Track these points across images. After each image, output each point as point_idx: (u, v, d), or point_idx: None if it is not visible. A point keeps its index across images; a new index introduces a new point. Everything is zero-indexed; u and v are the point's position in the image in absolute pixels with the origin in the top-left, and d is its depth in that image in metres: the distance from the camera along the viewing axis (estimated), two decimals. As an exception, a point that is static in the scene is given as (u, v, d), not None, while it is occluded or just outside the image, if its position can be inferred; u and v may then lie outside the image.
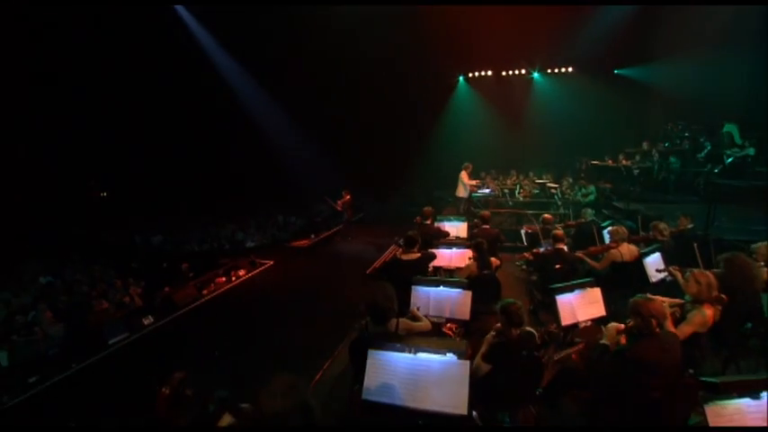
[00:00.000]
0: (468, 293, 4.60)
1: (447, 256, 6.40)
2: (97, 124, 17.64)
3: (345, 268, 10.26)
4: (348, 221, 13.07)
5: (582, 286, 4.52)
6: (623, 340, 3.25)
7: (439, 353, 2.78)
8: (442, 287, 4.69)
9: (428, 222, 6.98)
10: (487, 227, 6.76)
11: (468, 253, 6.26)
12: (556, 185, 11.75)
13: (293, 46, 16.34)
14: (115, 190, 21.32)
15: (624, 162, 12.10)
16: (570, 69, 16.24)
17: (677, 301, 3.82)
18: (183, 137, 18.92)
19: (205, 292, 9.27)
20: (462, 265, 6.20)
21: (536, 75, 17.01)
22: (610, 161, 12.30)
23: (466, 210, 11.25)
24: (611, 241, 5.62)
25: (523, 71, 17.16)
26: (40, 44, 14.44)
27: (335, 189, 13.06)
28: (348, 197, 12.46)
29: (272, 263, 10.92)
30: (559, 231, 5.49)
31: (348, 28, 14.89)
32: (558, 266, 5.28)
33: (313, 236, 13.42)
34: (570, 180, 12.22)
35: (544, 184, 12.29)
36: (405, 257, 5.29)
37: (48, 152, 16.92)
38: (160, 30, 15.48)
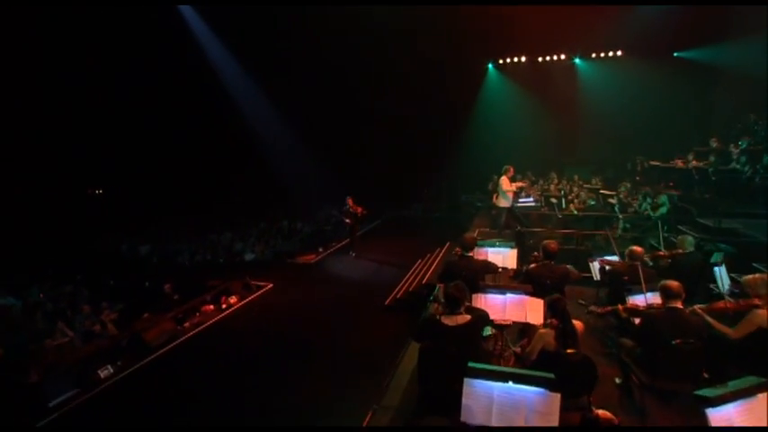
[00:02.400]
0: (556, 397, 2.93)
1: (499, 306, 4.73)
2: (95, 121, 16.54)
3: (358, 295, 8.66)
4: (353, 233, 11.34)
5: (748, 393, 2.81)
6: None
7: None
8: (511, 383, 3.03)
9: (470, 255, 5.29)
10: (551, 262, 5.05)
11: (529, 301, 4.65)
12: (611, 192, 9.93)
13: (302, 41, 14.84)
14: (111, 188, 20.28)
15: (695, 163, 10.18)
16: (619, 53, 14.26)
17: None
18: (183, 136, 17.69)
19: (187, 324, 7.80)
20: (521, 317, 4.61)
21: (578, 60, 15.06)
22: (679, 161, 10.38)
23: (506, 224, 9.51)
24: (751, 296, 3.87)
25: (563, 56, 15.23)
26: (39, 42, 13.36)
27: (348, 193, 11.39)
28: (350, 202, 10.85)
29: (270, 286, 9.39)
30: (674, 283, 3.76)
31: (360, 15, 13.24)
32: (677, 342, 3.56)
33: (321, 249, 11.88)
34: (628, 185, 10.36)
35: (596, 190, 10.47)
36: (449, 322, 3.65)
37: (42, 149, 15.81)
38: (162, 29, 14.28)
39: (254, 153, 18.28)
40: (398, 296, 8.01)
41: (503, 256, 6.28)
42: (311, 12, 13.56)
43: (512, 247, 6.35)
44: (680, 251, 5.29)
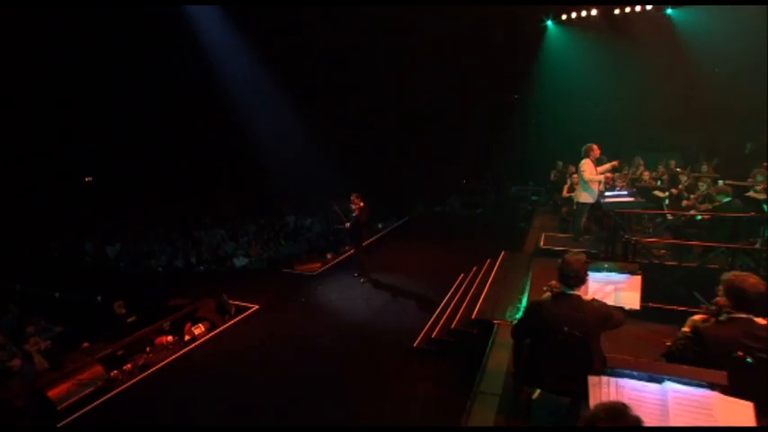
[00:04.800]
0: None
1: (655, 408, 2.47)
2: (85, 105, 15.15)
3: (373, 328, 6.45)
4: (358, 243, 8.28)
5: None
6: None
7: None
8: None
9: (576, 293, 2.97)
10: (749, 317, 2.65)
11: (721, 403, 2.37)
12: (746, 184, 7.27)
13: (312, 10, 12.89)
14: (103, 176, 18.86)
15: None
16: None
17: None
18: (179, 119, 16.05)
19: (128, 366, 5.79)
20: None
21: (671, 11, 12.20)
22: None
23: (586, 228, 7.12)
24: None
25: (649, 6, 12.39)
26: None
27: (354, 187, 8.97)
28: (362, 204, 7.98)
29: (255, 308, 7.30)
30: None
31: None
32: None
33: (329, 255, 9.75)
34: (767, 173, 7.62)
35: (715, 180, 7.81)
36: None
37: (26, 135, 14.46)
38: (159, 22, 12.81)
39: (259, 137, 16.38)
40: (434, 335, 5.74)
41: (615, 289, 4.00)
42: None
43: (631, 273, 4.01)
44: None
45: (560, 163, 10.82)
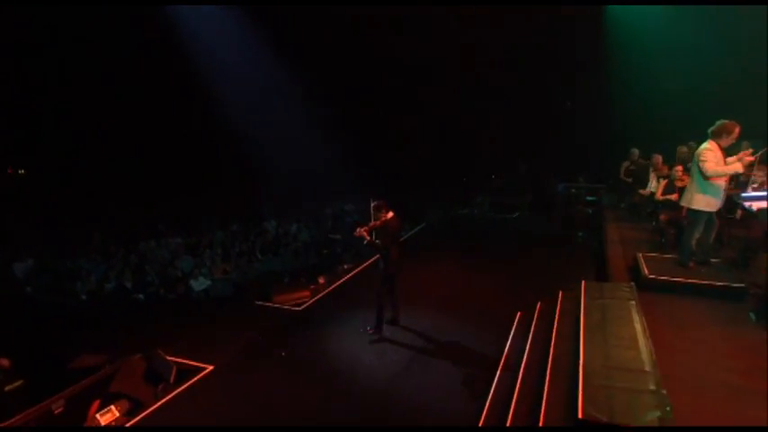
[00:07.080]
0: None
1: None
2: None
3: (391, 405, 4.30)
4: (386, 270, 5.59)
5: None
6: None
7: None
8: None
9: None
10: None
11: None
12: None
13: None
14: (38, 168, 16.71)
15: None
16: None
17: None
18: (143, 107, 14.09)
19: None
20: None
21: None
22: None
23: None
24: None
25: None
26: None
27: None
28: (390, 215, 5.54)
29: (209, 369, 5.09)
30: None
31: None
32: None
33: (322, 279, 7.58)
34: None
35: None
36: None
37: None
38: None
39: (237, 125, 14.38)
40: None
41: None
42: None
43: None
44: None
45: (636, 151, 8.76)
